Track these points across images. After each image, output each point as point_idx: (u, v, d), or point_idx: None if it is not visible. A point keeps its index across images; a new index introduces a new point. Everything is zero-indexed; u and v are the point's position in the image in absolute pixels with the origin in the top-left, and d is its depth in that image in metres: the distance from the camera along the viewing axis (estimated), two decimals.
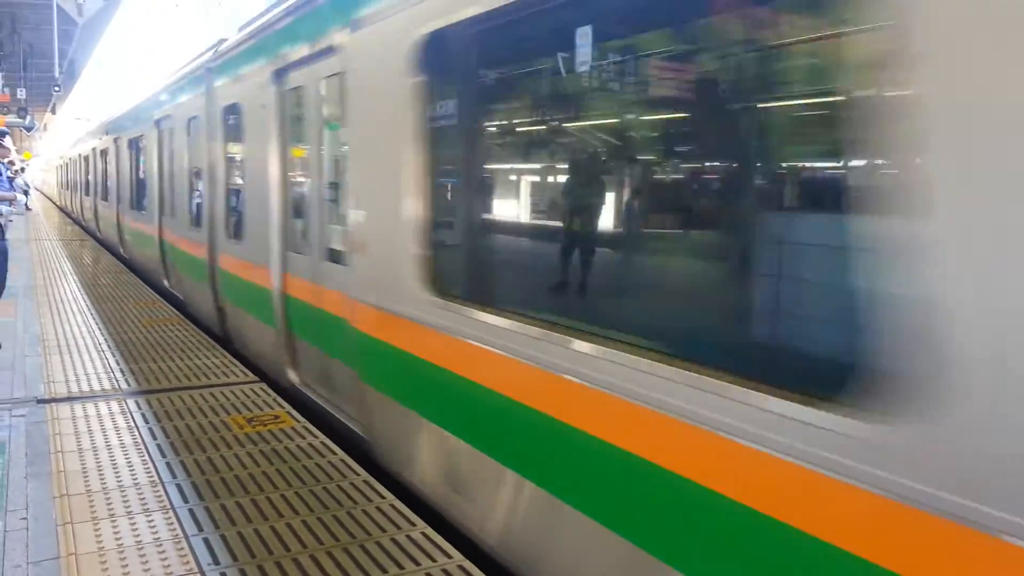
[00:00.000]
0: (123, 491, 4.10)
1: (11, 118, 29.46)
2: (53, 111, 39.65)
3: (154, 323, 8.73)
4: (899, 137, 1.93)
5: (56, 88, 27.57)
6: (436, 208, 4.21)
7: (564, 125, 3.84)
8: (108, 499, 3.99)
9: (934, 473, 1.84)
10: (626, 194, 3.51)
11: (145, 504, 3.94)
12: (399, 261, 4.36)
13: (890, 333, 1.94)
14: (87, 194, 22.81)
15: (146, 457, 4.61)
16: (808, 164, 2.79)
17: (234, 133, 7.78)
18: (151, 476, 4.31)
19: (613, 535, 2.89)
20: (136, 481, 4.24)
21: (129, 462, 4.52)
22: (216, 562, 3.38)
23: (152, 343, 7.68)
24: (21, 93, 28.03)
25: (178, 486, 4.19)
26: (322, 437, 5.01)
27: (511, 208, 4.17)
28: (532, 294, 3.78)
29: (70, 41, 26.31)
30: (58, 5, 18.37)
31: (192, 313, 9.78)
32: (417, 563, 3.42)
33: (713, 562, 2.46)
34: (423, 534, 3.68)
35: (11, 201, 8.45)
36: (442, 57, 4.07)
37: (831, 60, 2.43)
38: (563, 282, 3.66)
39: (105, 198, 18.45)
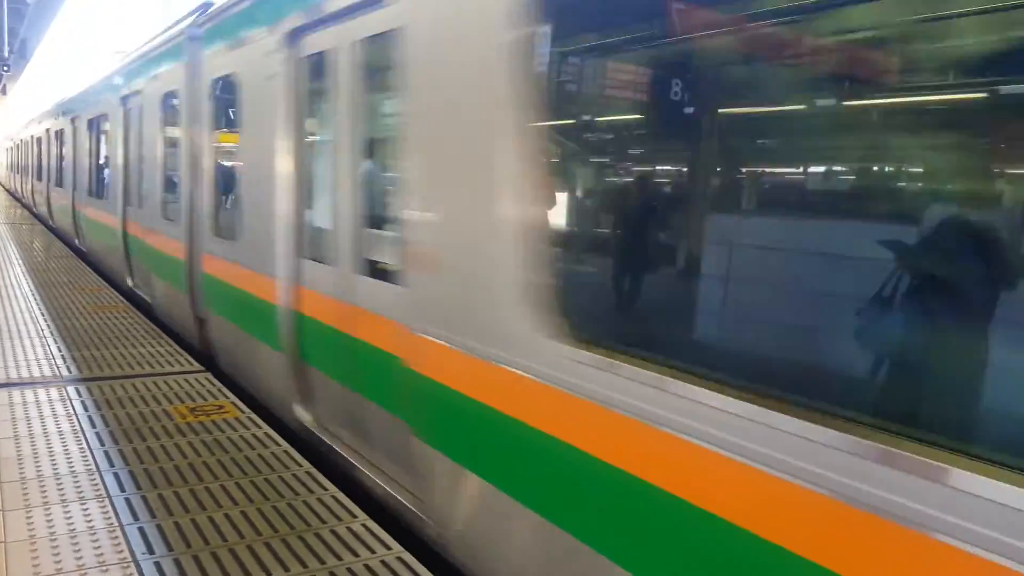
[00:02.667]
0: (59, 479, 4.03)
1: None
2: (3, 92, 38.65)
3: (100, 310, 8.56)
4: None
5: (5, 68, 26.87)
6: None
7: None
8: (43, 487, 3.92)
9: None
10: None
11: (81, 492, 3.88)
12: (496, 285, 3.13)
13: None
14: (39, 179, 22.07)
15: (84, 445, 4.53)
16: None
17: (227, 110, 6.54)
18: (88, 464, 4.24)
19: None
20: (73, 469, 4.17)
21: (66, 450, 4.44)
22: (151, 551, 3.34)
23: (97, 330, 7.54)
24: None
25: (115, 475, 4.13)
26: (266, 428, 4.97)
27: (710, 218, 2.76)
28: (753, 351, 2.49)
29: (21, 20, 25.68)
30: None
31: (161, 318, 8.50)
32: (356, 554, 3.41)
33: None
34: (364, 526, 3.68)
35: None
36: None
37: None
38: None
39: (60, 184, 17.19)
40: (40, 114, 23.12)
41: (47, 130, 19.67)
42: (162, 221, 8.25)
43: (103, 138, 12.13)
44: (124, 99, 10.26)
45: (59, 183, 17.19)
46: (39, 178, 21.95)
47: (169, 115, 8.15)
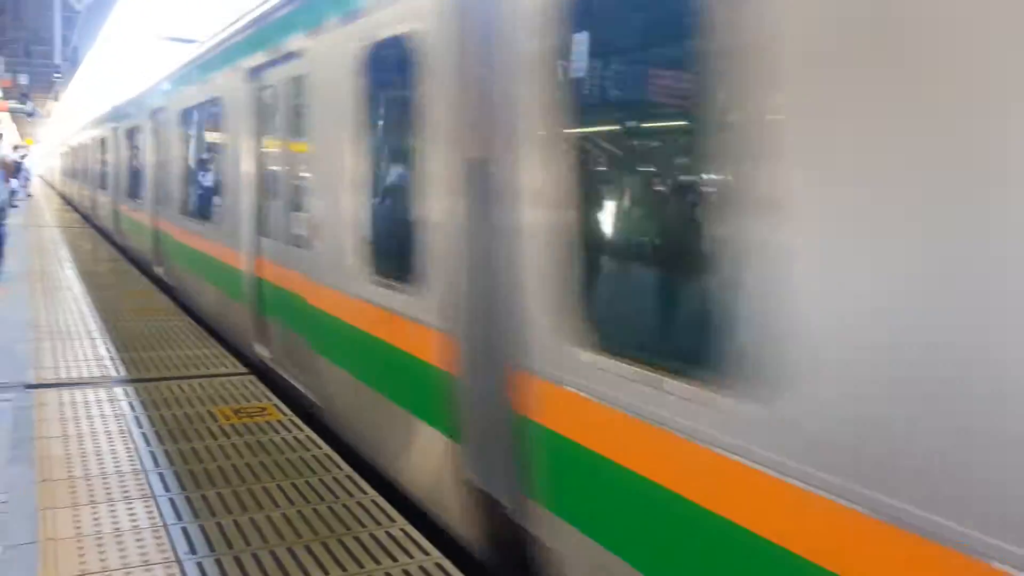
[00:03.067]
0: (105, 478, 4.11)
1: (13, 104, 29.45)
2: (56, 98, 39.61)
3: (147, 312, 8.73)
4: None
5: (57, 75, 27.52)
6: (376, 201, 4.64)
7: None
8: (90, 486, 4.00)
9: None
10: None
11: (126, 492, 3.95)
12: (346, 250, 4.85)
13: None
14: (87, 183, 22.78)
15: (131, 445, 4.61)
16: None
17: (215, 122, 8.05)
18: (134, 464, 4.32)
19: None
20: (119, 469, 4.25)
21: (113, 450, 4.53)
22: (193, 551, 3.39)
23: (145, 332, 7.68)
24: (23, 79, 27.98)
25: (160, 475, 4.20)
26: (307, 431, 5.02)
27: None
28: None
29: (73, 27, 26.29)
30: None
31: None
32: (395, 559, 3.42)
33: None
34: (402, 531, 3.69)
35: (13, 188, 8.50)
36: None
37: None
38: None
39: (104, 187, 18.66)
40: (88, 122, 23.79)
41: (92, 138, 20.58)
42: (215, 228, 8.54)
43: (137, 144, 13.87)
44: (153, 113, 11.96)
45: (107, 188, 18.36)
46: (87, 182, 22.76)
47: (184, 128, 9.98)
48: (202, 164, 9.22)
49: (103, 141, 18.48)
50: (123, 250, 14.98)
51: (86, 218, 23.13)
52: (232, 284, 7.30)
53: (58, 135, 44.68)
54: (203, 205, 8.79)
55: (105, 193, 18.38)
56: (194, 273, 9.19)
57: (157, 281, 11.34)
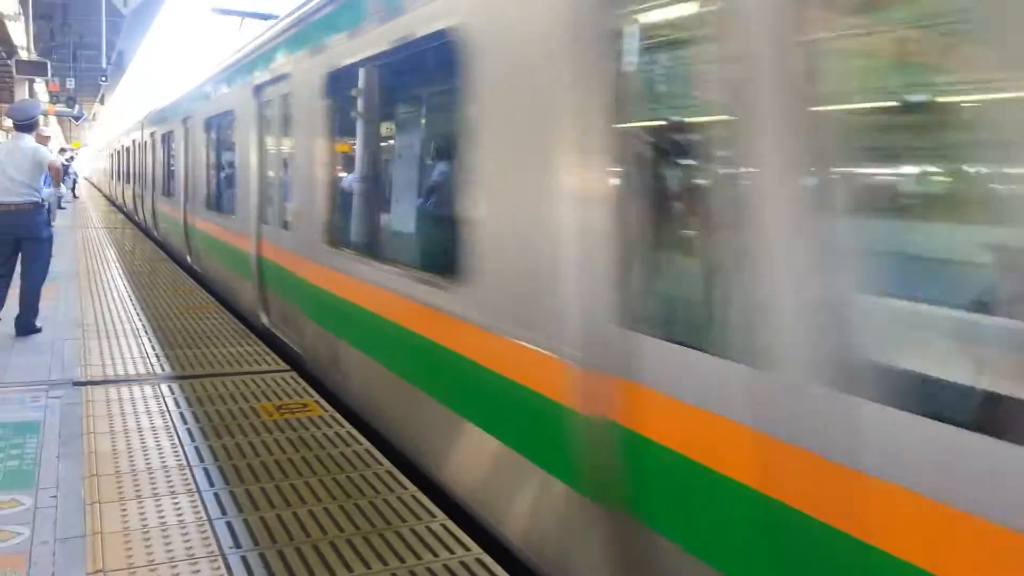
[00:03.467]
0: (151, 473, 4.17)
1: (60, 107, 30.11)
2: (101, 101, 40.41)
3: (191, 310, 8.86)
4: None
5: (103, 79, 28.08)
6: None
7: None
8: (136, 480, 4.06)
9: None
10: None
11: (172, 487, 4.00)
12: (312, 227, 6.43)
13: None
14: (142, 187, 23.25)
15: (176, 441, 4.68)
16: None
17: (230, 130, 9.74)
18: (179, 459, 4.38)
19: None
20: (164, 464, 4.31)
21: (159, 445, 4.59)
22: (237, 545, 3.42)
23: (188, 330, 7.80)
24: (70, 83, 28.60)
25: (205, 470, 4.25)
26: (348, 427, 5.05)
27: None
28: None
29: (118, 32, 26.80)
30: None
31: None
32: (435, 554, 3.42)
33: None
34: (443, 526, 3.69)
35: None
36: None
37: None
38: None
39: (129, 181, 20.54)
40: (145, 119, 24.32)
41: (153, 134, 21.10)
42: (205, 210, 11.16)
43: (171, 148, 15.11)
44: (184, 120, 13.02)
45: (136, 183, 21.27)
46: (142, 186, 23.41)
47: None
48: (222, 165, 10.94)
49: (143, 144, 19.31)
50: (163, 246, 15.33)
51: (128, 216, 23.57)
52: (241, 264, 8.79)
53: (104, 138, 45.59)
54: (222, 200, 10.65)
55: (140, 189, 20.14)
56: (214, 256, 10.84)
57: (193, 273, 12.00)
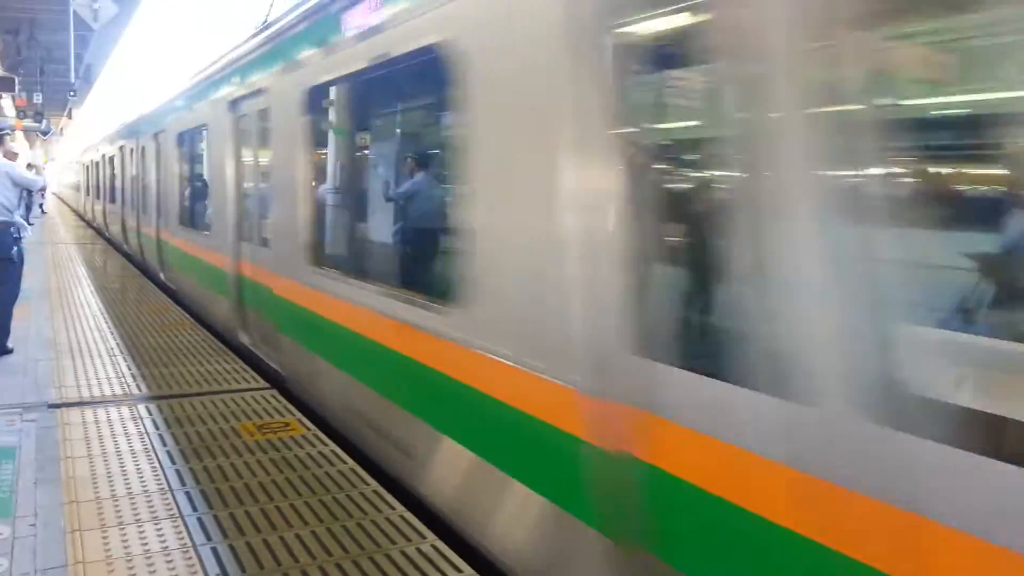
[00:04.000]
0: (132, 498, 4.08)
1: (27, 122, 29.66)
2: (69, 116, 39.89)
3: (166, 327, 8.73)
4: None
5: (72, 93, 27.72)
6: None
7: None
8: (117, 506, 3.97)
9: None
10: None
11: (154, 512, 3.92)
12: (294, 245, 6.39)
13: None
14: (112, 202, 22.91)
15: (156, 464, 4.59)
16: None
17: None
18: (160, 483, 4.29)
19: None
20: (145, 488, 4.22)
21: (139, 468, 4.50)
22: (224, 573, 3.35)
23: (164, 347, 7.68)
24: (37, 98, 28.19)
25: (187, 494, 4.16)
26: (332, 445, 4.98)
27: None
28: None
29: (86, 46, 26.48)
30: (75, 11, 18.49)
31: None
32: None
33: None
34: (433, 547, 3.64)
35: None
36: None
37: None
38: None
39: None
40: (115, 132, 24.07)
41: (121, 148, 20.87)
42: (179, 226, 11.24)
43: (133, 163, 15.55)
44: (155, 135, 12.91)
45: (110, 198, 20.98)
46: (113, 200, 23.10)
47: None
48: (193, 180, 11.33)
49: (112, 158, 19.15)
50: (138, 264, 15.06)
51: (98, 231, 23.25)
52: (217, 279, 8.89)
53: (72, 152, 45.03)
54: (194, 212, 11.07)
55: (116, 206, 19.46)
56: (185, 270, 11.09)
57: (165, 288, 11.91)
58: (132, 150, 15.51)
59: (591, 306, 2.89)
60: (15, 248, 7.41)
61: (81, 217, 32.32)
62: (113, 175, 19.24)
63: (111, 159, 19.53)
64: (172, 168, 11.53)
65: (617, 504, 2.87)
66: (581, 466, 2.97)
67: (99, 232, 23.47)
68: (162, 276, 12.49)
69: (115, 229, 19.09)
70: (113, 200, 19.22)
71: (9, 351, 7.20)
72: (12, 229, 7.35)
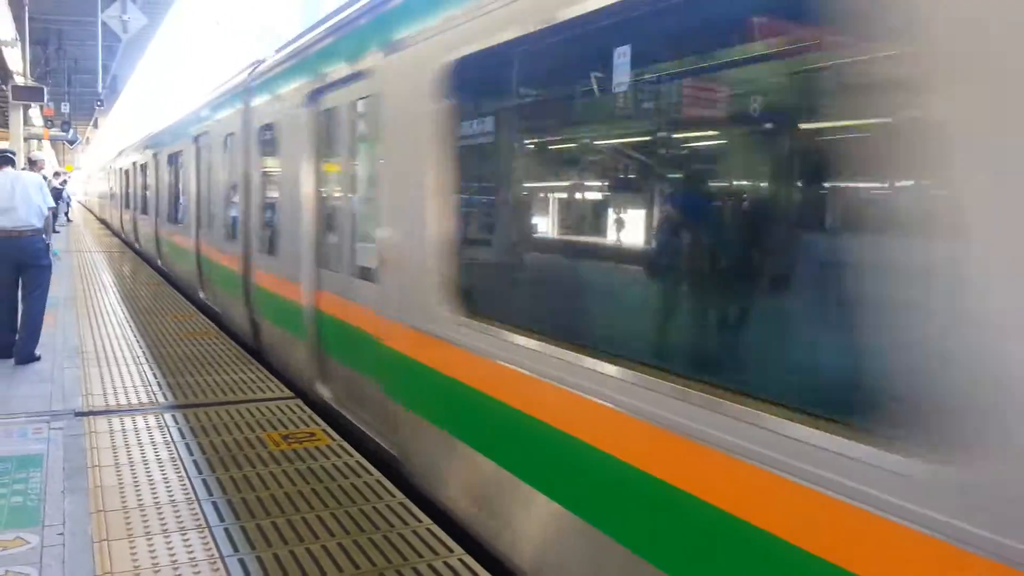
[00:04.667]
0: (159, 508, 4.07)
1: (55, 131, 30.07)
2: (95, 125, 40.40)
3: (191, 336, 8.77)
4: None
5: (99, 103, 28.07)
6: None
7: None
8: (144, 516, 3.97)
9: None
10: None
11: (181, 522, 3.91)
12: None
13: None
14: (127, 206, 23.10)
15: (183, 473, 4.58)
16: None
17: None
18: (187, 493, 4.29)
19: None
20: (172, 498, 4.21)
21: (166, 478, 4.50)
22: None
23: (189, 356, 7.71)
24: (65, 108, 28.59)
25: (214, 504, 4.15)
26: (357, 456, 4.96)
27: None
28: None
29: (113, 57, 26.81)
30: (103, 22, 18.72)
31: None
32: None
33: None
34: (460, 560, 3.60)
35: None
36: None
37: None
38: None
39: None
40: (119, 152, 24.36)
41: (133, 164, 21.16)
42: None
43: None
44: (196, 138, 11.65)
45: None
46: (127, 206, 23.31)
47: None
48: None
49: (144, 166, 18.98)
50: (168, 276, 15.14)
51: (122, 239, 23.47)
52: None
53: (99, 161, 45.62)
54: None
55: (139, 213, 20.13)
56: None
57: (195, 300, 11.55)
58: (172, 156, 14.34)
59: None
60: (45, 256, 7.51)
61: (107, 226, 32.65)
62: (144, 185, 18.52)
63: (143, 167, 18.70)
64: (219, 177, 10.14)
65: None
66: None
67: (128, 244, 23.67)
68: (202, 295, 11.53)
69: (147, 242, 18.26)
70: (145, 211, 18.46)
71: (37, 359, 7.26)
72: (44, 236, 7.46)
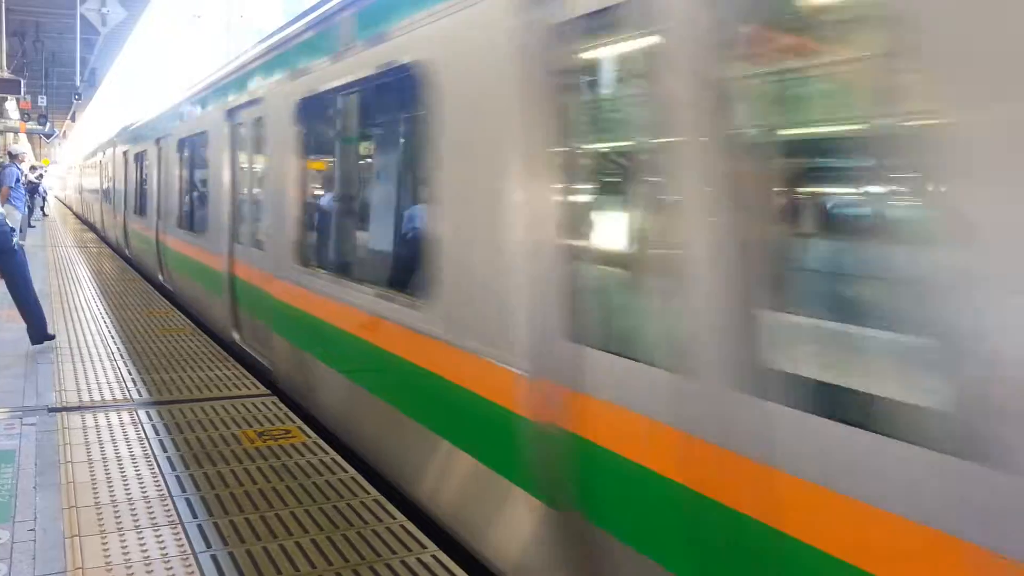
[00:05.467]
0: (132, 504, 4.06)
1: (31, 125, 29.73)
2: (73, 119, 40.00)
3: (167, 332, 8.72)
4: None
5: (77, 96, 27.81)
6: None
7: None
8: (117, 512, 3.95)
9: None
10: None
11: (154, 518, 3.90)
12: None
13: None
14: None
15: (156, 470, 4.57)
16: None
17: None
18: (160, 490, 4.27)
19: None
20: (145, 494, 4.20)
21: (139, 474, 4.48)
22: None
23: (164, 353, 7.67)
24: (42, 100, 28.29)
25: (187, 500, 4.15)
26: (332, 454, 4.96)
27: None
28: None
29: (91, 50, 26.57)
30: (82, 15, 18.55)
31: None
32: None
33: None
34: (434, 557, 3.62)
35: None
36: None
37: None
38: None
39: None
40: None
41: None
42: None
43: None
44: (157, 140, 13.12)
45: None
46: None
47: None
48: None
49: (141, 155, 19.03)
50: (137, 267, 15.05)
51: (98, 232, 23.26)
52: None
53: (79, 153, 45.14)
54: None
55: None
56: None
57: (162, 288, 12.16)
58: (138, 155, 14.58)
59: None
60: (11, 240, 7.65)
61: (83, 221, 32.32)
62: (143, 179, 15.74)
63: (139, 157, 16.13)
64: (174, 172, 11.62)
65: None
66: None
67: (104, 239, 23.42)
68: (237, 336, 8.29)
69: (142, 248, 15.18)
70: (142, 213, 14.93)
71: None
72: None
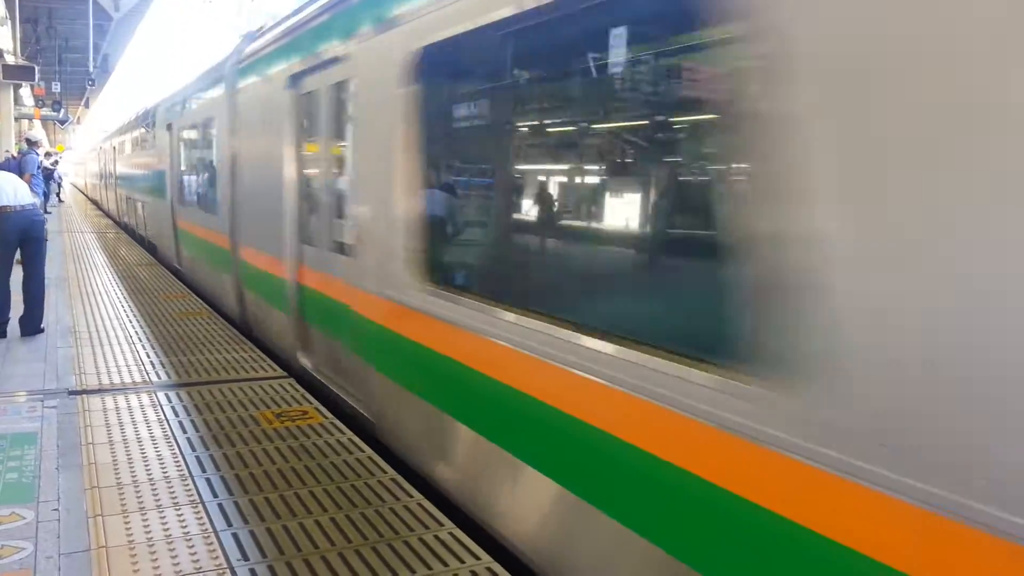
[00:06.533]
0: (153, 484, 4.12)
1: (45, 111, 29.89)
2: (86, 104, 40.16)
3: (185, 316, 8.79)
4: None
5: (90, 82, 27.90)
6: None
7: None
8: (138, 492, 4.01)
9: None
10: None
11: (175, 498, 3.96)
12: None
13: None
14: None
15: (176, 451, 4.63)
16: None
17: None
18: (181, 470, 4.33)
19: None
20: (166, 475, 4.26)
21: (159, 455, 4.54)
22: (245, 558, 3.38)
23: (182, 336, 7.74)
24: (56, 87, 28.40)
25: (207, 480, 4.20)
26: (349, 434, 5.01)
27: None
28: None
29: (104, 35, 26.62)
30: (95, 0, 18.60)
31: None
32: (445, 564, 3.39)
33: None
34: (451, 534, 3.66)
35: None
36: None
37: None
38: None
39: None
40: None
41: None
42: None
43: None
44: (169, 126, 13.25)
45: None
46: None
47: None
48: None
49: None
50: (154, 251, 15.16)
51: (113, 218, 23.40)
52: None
53: (93, 141, 45.31)
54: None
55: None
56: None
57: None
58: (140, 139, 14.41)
59: None
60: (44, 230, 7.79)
61: (98, 206, 32.51)
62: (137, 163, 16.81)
63: (140, 141, 16.11)
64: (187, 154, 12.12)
65: None
66: None
67: (118, 223, 23.55)
68: (307, 362, 6.78)
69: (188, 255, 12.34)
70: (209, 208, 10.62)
71: (42, 330, 7.64)
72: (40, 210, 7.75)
